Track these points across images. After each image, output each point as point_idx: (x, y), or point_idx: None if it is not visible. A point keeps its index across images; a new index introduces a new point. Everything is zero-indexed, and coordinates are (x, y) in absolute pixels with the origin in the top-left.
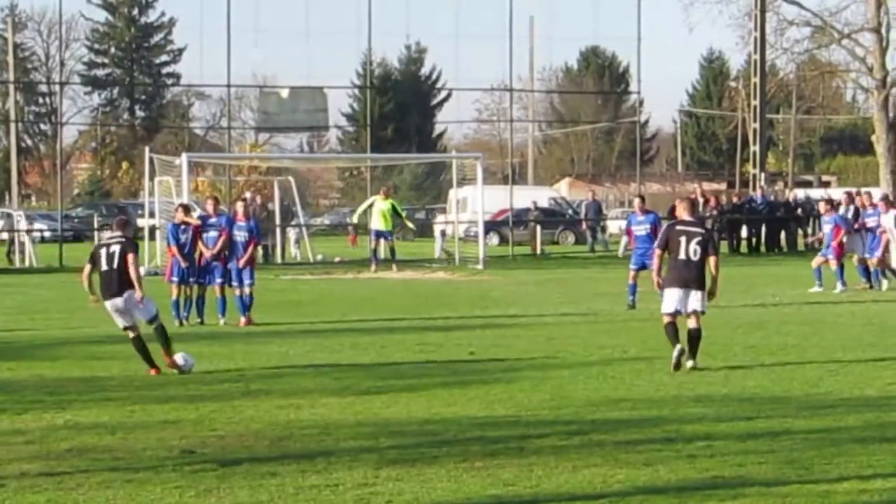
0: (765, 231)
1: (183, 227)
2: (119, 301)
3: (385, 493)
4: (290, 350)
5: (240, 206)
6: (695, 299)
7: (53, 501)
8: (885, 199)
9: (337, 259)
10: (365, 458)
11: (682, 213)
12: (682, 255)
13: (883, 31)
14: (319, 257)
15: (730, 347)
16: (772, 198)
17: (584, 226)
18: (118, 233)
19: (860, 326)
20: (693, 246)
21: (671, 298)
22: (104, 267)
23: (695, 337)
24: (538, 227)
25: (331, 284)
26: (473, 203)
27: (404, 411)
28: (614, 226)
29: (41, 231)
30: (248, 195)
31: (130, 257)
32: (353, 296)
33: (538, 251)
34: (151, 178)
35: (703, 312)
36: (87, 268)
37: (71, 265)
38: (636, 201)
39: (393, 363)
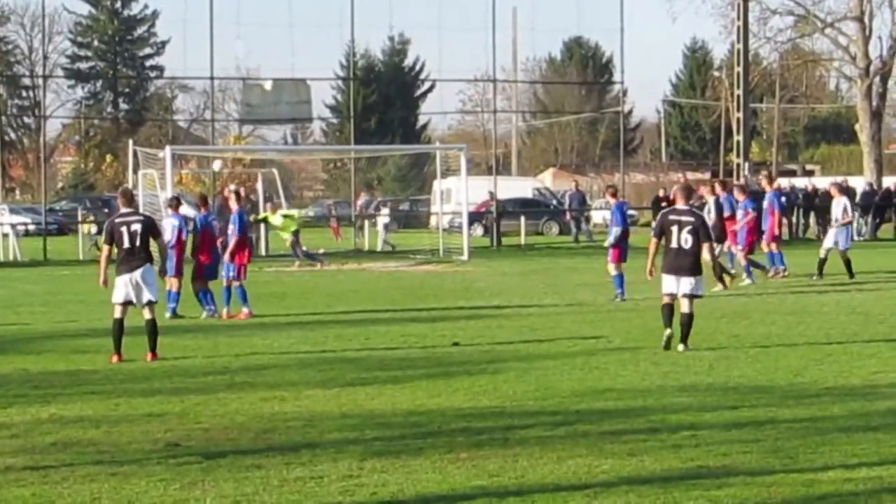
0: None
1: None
2: (137, 274)
3: (370, 485)
4: (274, 342)
5: (232, 196)
6: (686, 284)
7: (38, 495)
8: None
9: (321, 251)
10: (350, 450)
11: (678, 200)
12: (674, 244)
13: (866, 19)
14: (305, 249)
15: (714, 337)
16: (756, 187)
17: (568, 216)
18: (130, 209)
19: (844, 316)
20: (684, 234)
21: (668, 282)
22: (126, 245)
23: (685, 323)
24: (522, 219)
25: (315, 276)
26: (457, 194)
27: (389, 403)
28: (598, 216)
29: (25, 224)
30: (231, 187)
31: (158, 242)
32: (337, 288)
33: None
34: (135, 171)
35: (698, 296)
36: (107, 248)
37: (55, 258)
38: (607, 192)
39: (377, 355)
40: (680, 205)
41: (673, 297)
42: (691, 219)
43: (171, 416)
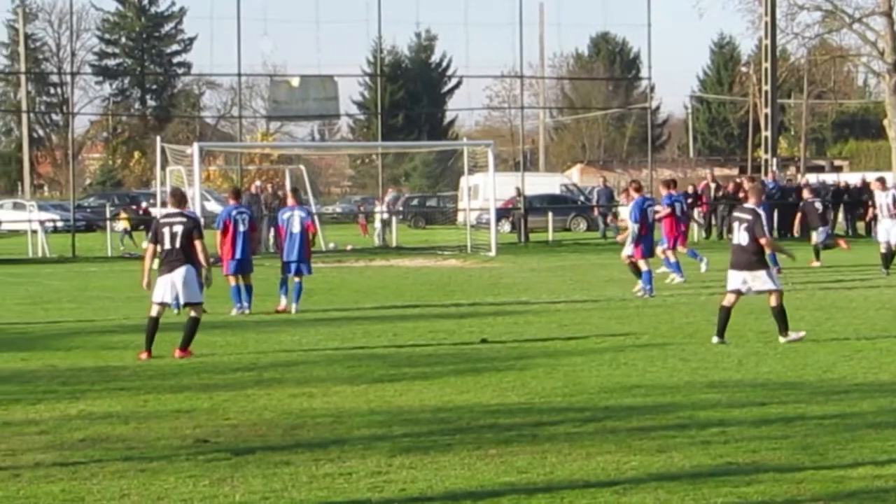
0: (777, 216)
1: None
2: (176, 275)
3: (398, 482)
4: (302, 338)
5: (290, 194)
6: (757, 281)
7: (67, 491)
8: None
9: (349, 247)
10: (378, 447)
11: (749, 198)
12: (735, 241)
13: (894, 14)
14: (332, 245)
15: (742, 333)
16: (783, 183)
17: (595, 212)
18: (177, 209)
19: (873, 311)
20: (742, 231)
21: (731, 279)
22: (167, 245)
23: (775, 316)
24: (550, 215)
25: (342, 272)
26: (485, 190)
27: (417, 399)
28: (626, 212)
29: (53, 221)
30: (258, 183)
31: (198, 244)
32: (364, 284)
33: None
34: (163, 168)
35: (775, 291)
36: (151, 247)
37: (83, 255)
38: (630, 187)
39: (405, 351)
40: (747, 203)
41: (736, 293)
42: (748, 216)
43: (199, 413)
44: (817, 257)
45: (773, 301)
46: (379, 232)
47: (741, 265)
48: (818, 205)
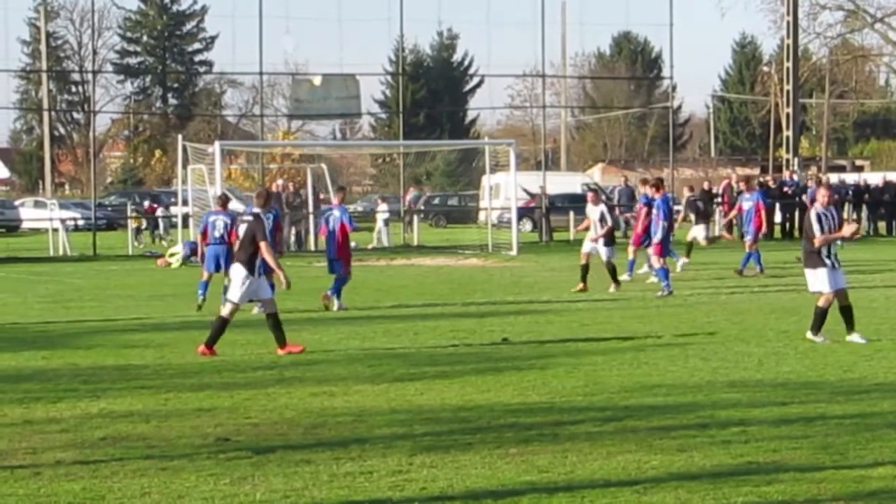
0: (798, 216)
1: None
2: (231, 270)
3: (419, 480)
4: (323, 337)
5: (339, 193)
6: (810, 279)
7: (88, 489)
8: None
9: (370, 246)
10: (399, 446)
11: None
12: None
13: None
14: (353, 245)
15: (763, 333)
16: (804, 182)
17: (616, 211)
18: (258, 210)
19: (895, 311)
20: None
21: None
22: (238, 241)
23: (816, 313)
24: (571, 214)
25: (363, 271)
26: (506, 189)
27: (438, 398)
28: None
29: (74, 219)
30: (279, 182)
31: (262, 245)
32: (385, 282)
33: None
34: (184, 166)
35: (818, 293)
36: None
37: (104, 253)
38: (650, 187)
39: (426, 350)
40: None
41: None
42: (808, 215)
43: (220, 411)
44: (688, 254)
45: (820, 301)
46: (381, 232)
47: (804, 261)
48: (700, 203)
